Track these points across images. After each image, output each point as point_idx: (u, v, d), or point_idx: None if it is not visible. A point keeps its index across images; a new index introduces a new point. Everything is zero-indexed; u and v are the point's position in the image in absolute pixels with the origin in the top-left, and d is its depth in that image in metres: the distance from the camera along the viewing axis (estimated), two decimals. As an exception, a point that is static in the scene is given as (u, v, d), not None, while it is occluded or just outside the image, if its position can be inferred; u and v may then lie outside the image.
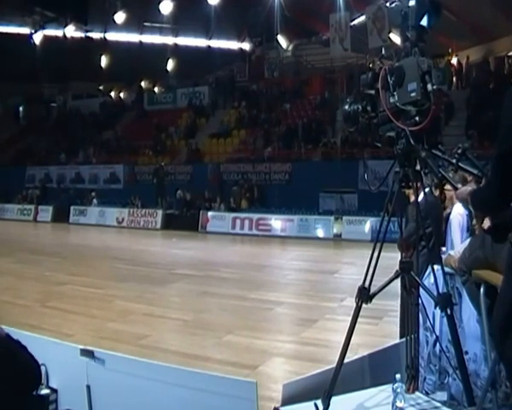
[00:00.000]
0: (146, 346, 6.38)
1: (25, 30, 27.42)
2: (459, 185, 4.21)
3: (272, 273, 12.61)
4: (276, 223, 20.37)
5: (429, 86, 2.85)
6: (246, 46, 30.22)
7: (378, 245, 3.18)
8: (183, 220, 22.11)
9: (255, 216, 20.83)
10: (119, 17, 24.44)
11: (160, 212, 23.08)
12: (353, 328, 3.15)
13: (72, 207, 25.70)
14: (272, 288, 10.42)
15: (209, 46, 29.04)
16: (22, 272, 11.53)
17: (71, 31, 26.61)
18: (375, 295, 3.16)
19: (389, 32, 20.16)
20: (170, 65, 29.43)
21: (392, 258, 3.55)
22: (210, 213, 21.79)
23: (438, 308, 3.00)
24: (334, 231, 19.23)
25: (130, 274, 11.60)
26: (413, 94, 2.89)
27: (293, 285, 11.09)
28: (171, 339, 7.09)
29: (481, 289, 3.22)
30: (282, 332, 7.45)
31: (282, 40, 27.51)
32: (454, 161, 2.91)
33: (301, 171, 21.57)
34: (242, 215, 21.16)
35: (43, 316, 7.60)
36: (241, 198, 22.17)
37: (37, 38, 26.77)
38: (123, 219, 23.89)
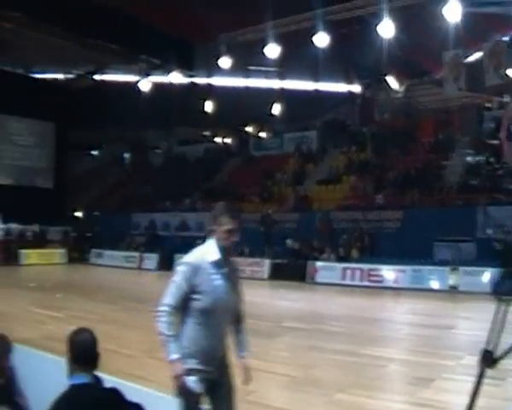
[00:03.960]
0: (253, 402, 6.18)
1: (131, 78, 28.18)
2: None
3: (384, 327, 12.10)
4: (388, 273, 19.60)
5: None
6: (354, 88, 29.63)
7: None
8: (291, 270, 21.78)
9: (366, 266, 20.18)
10: (224, 62, 24.48)
11: (267, 261, 22.89)
12: (476, 394, 2.82)
13: (176, 256, 25.91)
14: (384, 343, 9.97)
15: (316, 89, 28.62)
16: (127, 321, 11.77)
17: (176, 77, 26.98)
18: (500, 358, 2.83)
19: (506, 69, 19.20)
20: (276, 109, 29.33)
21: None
22: (319, 264, 21.41)
23: None
24: (451, 282, 18.11)
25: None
26: (541, 143, 2.61)
27: (407, 341, 10.55)
28: (278, 396, 6.87)
29: None
30: (396, 391, 7.01)
31: (392, 81, 26.87)
32: None
33: (414, 218, 20.62)
34: (352, 265, 20.60)
35: (149, 367, 7.56)
36: (352, 247, 21.63)
37: (143, 85, 27.40)
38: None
